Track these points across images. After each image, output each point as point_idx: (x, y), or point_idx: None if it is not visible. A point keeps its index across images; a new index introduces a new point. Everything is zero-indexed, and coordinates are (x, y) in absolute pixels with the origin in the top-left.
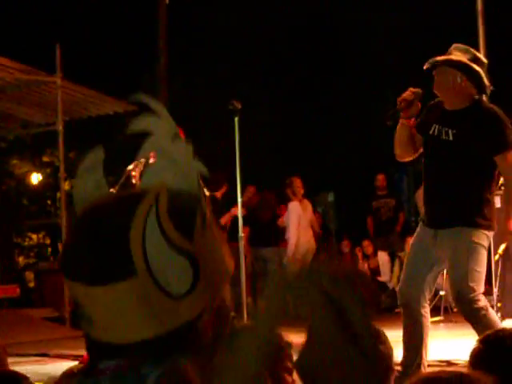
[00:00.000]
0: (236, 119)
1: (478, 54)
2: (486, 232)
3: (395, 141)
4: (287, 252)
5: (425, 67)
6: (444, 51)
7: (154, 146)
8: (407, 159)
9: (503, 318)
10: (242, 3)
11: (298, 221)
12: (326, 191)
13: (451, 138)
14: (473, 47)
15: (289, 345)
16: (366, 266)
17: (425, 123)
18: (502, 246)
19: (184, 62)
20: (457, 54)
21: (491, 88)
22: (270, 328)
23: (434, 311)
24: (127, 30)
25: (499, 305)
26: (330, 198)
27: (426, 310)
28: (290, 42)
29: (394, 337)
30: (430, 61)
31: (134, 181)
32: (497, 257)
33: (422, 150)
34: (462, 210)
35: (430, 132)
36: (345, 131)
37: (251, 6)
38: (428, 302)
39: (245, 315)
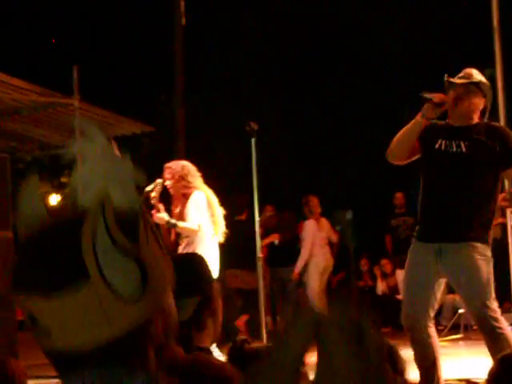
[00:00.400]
0: (253, 140)
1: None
2: (489, 245)
3: (400, 136)
4: (296, 268)
5: (460, 81)
6: (460, 68)
7: (91, 168)
8: (398, 161)
9: None
10: (259, 22)
11: (312, 239)
12: (344, 209)
13: (464, 149)
14: (489, 63)
15: (303, 362)
16: (384, 284)
17: (429, 138)
18: None
19: (201, 81)
20: (479, 76)
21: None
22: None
23: (454, 329)
24: (144, 50)
25: None
26: (349, 216)
27: (433, 330)
28: (308, 59)
29: (412, 355)
30: (465, 80)
31: (153, 201)
32: None
33: (414, 158)
34: (473, 224)
35: (436, 146)
36: (363, 149)
37: (268, 24)
38: (433, 320)
39: (264, 335)
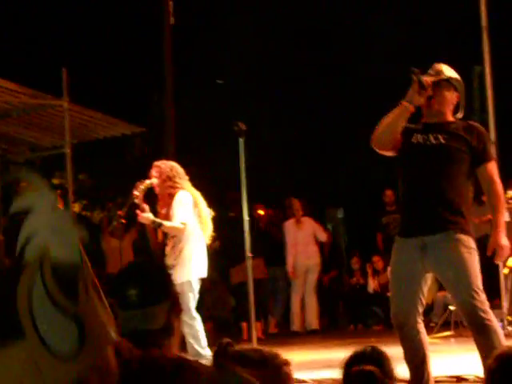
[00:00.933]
0: (241, 140)
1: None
2: (472, 236)
3: (387, 122)
4: (288, 267)
5: (430, 79)
6: (450, 66)
7: (36, 220)
8: (383, 149)
9: None
10: (249, 22)
11: (292, 239)
12: (335, 208)
13: (442, 140)
14: (477, 62)
15: (288, 362)
16: (376, 282)
17: (406, 135)
18: (511, 260)
19: (191, 81)
20: (449, 71)
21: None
22: None
23: (445, 326)
24: (133, 51)
25: (510, 318)
26: (340, 214)
27: (421, 326)
28: (296, 59)
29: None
30: (434, 78)
31: (136, 201)
32: (506, 271)
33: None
34: (453, 212)
35: (414, 141)
36: (353, 147)
37: (257, 24)
38: (422, 316)
39: (254, 336)
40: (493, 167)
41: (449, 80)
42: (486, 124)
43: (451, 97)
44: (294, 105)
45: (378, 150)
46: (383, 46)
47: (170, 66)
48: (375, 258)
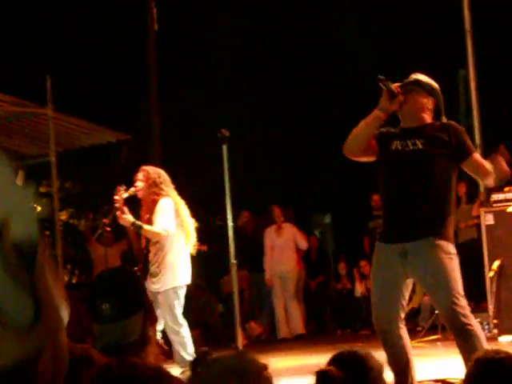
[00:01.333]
0: (224, 147)
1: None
2: (452, 241)
3: (358, 130)
4: (266, 274)
5: (399, 85)
6: (435, 70)
7: None
8: (354, 156)
9: (500, 334)
10: (231, 27)
11: (269, 247)
12: (322, 213)
13: (421, 146)
14: (461, 66)
15: (266, 366)
16: (363, 286)
17: (384, 141)
18: (497, 263)
19: (176, 87)
20: (423, 77)
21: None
22: None
23: (432, 330)
24: (118, 58)
25: (495, 321)
26: (327, 219)
27: (404, 331)
28: (281, 63)
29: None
30: (411, 80)
31: (117, 205)
32: (491, 274)
33: (371, 158)
34: (433, 219)
35: (392, 147)
36: (339, 152)
37: (241, 29)
38: (404, 321)
39: (240, 341)
40: (478, 157)
41: (418, 84)
42: (471, 128)
43: (424, 101)
44: (280, 111)
45: (350, 158)
46: (368, 50)
47: (155, 73)
48: (362, 263)
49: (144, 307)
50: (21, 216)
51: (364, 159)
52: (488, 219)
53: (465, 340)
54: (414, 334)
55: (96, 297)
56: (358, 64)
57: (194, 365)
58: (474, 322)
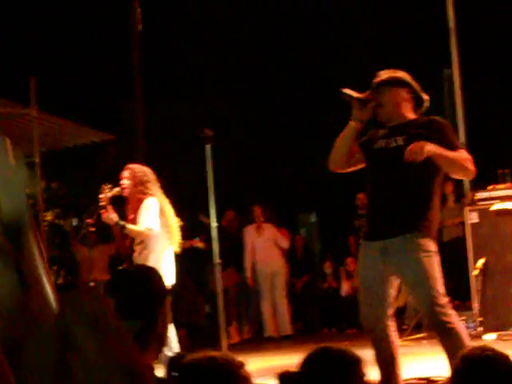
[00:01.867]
0: (208, 146)
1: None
2: (433, 239)
3: (336, 143)
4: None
5: (369, 91)
6: (420, 69)
7: None
8: (338, 168)
9: (485, 332)
10: (214, 27)
11: (250, 245)
12: (308, 212)
13: (402, 142)
14: (445, 65)
15: (243, 364)
16: (348, 285)
17: (369, 143)
18: (481, 261)
19: (161, 86)
20: (389, 73)
21: (428, 102)
22: None
23: (418, 328)
24: (102, 58)
25: (480, 319)
26: (312, 218)
27: (391, 329)
28: (265, 62)
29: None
30: (375, 83)
31: (102, 203)
32: (476, 272)
33: (359, 166)
34: (412, 216)
35: (376, 147)
36: (324, 151)
37: (224, 29)
38: (392, 318)
39: (224, 342)
40: (461, 153)
41: (385, 83)
42: (455, 127)
43: (398, 96)
44: (266, 109)
45: (337, 171)
46: (352, 51)
47: (139, 73)
48: (348, 260)
49: (146, 318)
50: (9, 190)
51: (352, 169)
52: (472, 217)
53: (446, 338)
54: (399, 332)
55: (105, 290)
56: (342, 65)
57: (168, 368)
58: (455, 320)
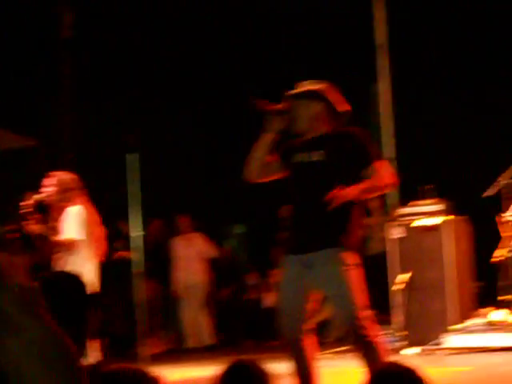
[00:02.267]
0: (132, 155)
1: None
2: (354, 252)
3: (251, 154)
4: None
5: (285, 101)
6: (347, 84)
7: None
8: (255, 179)
9: (409, 346)
10: (149, 34)
11: (175, 257)
12: (235, 223)
13: (320, 157)
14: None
15: (160, 379)
16: (272, 296)
17: (288, 155)
18: (406, 275)
19: (91, 93)
20: (307, 85)
21: (348, 112)
22: None
23: (341, 341)
24: (29, 62)
25: (405, 333)
26: (240, 230)
27: (309, 342)
28: (197, 68)
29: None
30: (288, 96)
31: (26, 211)
32: (397, 286)
33: (275, 176)
34: (332, 230)
35: (295, 160)
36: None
37: (155, 35)
38: (311, 331)
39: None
40: (380, 165)
41: (302, 95)
42: (380, 141)
43: (315, 110)
44: (194, 121)
45: (255, 182)
46: (279, 64)
47: (67, 79)
48: (272, 273)
49: (68, 324)
50: None
51: (269, 179)
52: (393, 232)
53: (364, 351)
54: (323, 345)
55: None
56: (269, 77)
57: (89, 373)
58: (374, 334)
